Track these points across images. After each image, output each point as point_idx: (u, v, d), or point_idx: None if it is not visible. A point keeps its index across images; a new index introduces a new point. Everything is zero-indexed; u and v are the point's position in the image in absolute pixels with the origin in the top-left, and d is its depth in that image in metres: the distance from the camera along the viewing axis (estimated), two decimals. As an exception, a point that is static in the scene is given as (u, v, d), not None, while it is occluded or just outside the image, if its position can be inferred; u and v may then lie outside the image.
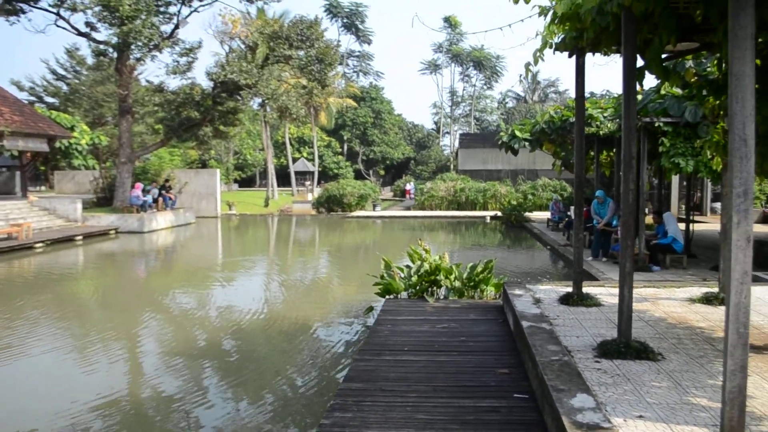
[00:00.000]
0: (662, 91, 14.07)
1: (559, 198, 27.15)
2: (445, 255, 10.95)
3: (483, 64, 78.27)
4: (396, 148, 70.87)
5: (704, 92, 7.40)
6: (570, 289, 8.58)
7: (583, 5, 4.94)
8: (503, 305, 9.02)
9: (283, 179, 55.51)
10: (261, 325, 10.78)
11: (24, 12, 27.90)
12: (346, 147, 69.80)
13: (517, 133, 24.90)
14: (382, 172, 70.79)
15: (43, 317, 11.89)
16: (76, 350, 9.58)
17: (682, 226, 14.95)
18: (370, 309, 10.24)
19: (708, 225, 22.47)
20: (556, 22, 6.80)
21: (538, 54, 7.71)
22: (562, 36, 7.54)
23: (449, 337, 7.57)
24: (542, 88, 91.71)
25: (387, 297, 10.20)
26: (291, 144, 56.41)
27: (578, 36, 7.10)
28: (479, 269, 10.20)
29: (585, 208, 19.76)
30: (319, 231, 29.05)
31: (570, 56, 8.57)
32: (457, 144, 73.99)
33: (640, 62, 6.52)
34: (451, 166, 63.24)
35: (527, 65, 7.91)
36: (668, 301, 8.32)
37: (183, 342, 10.08)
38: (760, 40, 5.84)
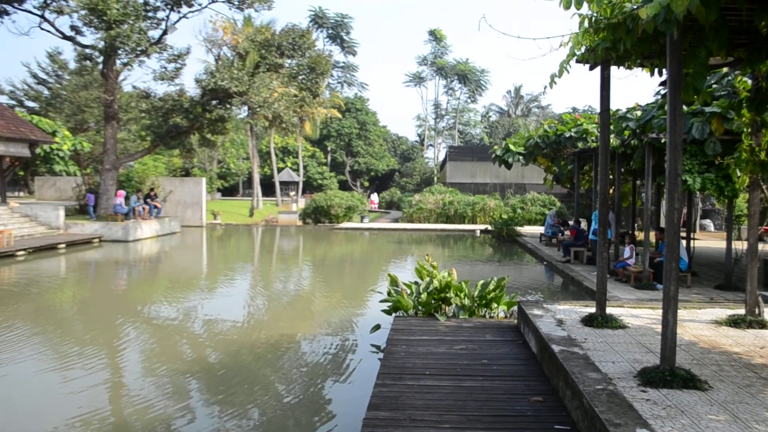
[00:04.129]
0: (666, 107, 13.91)
1: (556, 211, 26.92)
2: (453, 271, 10.59)
3: (467, 77, 78.52)
4: (381, 159, 70.62)
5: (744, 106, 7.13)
6: (591, 310, 8.26)
7: (646, 11, 4.62)
8: (519, 325, 8.67)
9: (267, 189, 54.94)
10: (252, 339, 10.28)
11: (8, 14, 27.23)
12: (330, 158, 69.40)
13: (511, 147, 24.78)
14: (366, 184, 70.46)
15: (24, 328, 11.31)
16: (56, 363, 9.07)
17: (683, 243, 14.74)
18: (377, 327, 9.82)
19: (701, 242, 22.39)
20: (591, 30, 6.50)
21: (564, 65, 7.43)
22: (590, 47, 7.28)
23: (470, 360, 7.19)
24: (525, 103, 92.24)
25: (395, 315, 9.79)
26: (275, 154, 55.86)
27: (611, 47, 6.83)
28: (491, 287, 9.84)
29: (573, 227, 19.61)
30: (308, 242, 28.54)
31: (593, 68, 8.32)
32: (441, 156, 74.05)
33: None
34: (435, 179, 63.11)
35: (552, 76, 7.62)
36: (693, 323, 8.02)
37: (167, 354, 9.63)
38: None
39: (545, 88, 7.87)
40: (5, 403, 7.41)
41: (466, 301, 9.86)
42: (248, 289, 16.21)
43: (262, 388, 7.97)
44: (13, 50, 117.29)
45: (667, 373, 5.47)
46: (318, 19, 70.73)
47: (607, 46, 6.77)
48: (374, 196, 55.23)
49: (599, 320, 7.67)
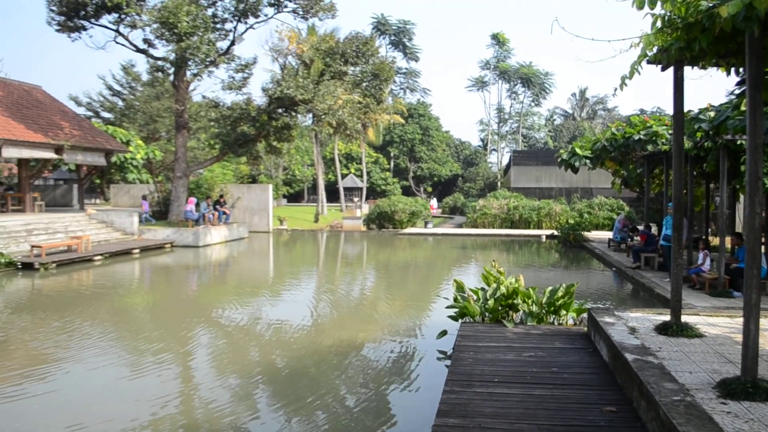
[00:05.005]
0: (742, 107, 13.40)
1: (625, 216, 26.20)
2: (520, 277, 10.46)
3: (531, 81, 77.51)
4: (444, 164, 70.50)
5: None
6: (664, 317, 8.02)
7: (727, 9, 4.47)
8: (590, 333, 8.49)
9: (332, 195, 55.58)
10: (317, 343, 10.38)
11: (85, 29, 28.42)
12: (393, 163, 69.71)
13: (578, 150, 24.28)
14: (429, 189, 70.39)
15: (101, 328, 11.78)
16: (129, 364, 9.44)
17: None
18: (444, 333, 9.79)
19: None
20: (668, 30, 6.33)
21: (635, 66, 7.25)
22: (663, 47, 7.09)
23: (540, 368, 7.08)
24: (591, 105, 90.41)
25: (462, 321, 9.74)
26: (339, 160, 56.49)
27: (685, 47, 6.64)
28: (560, 293, 9.66)
29: (643, 232, 19.06)
30: (372, 248, 28.71)
31: (665, 69, 8.10)
32: (504, 161, 73.29)
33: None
34: (499, 184, 62.48)
35: (623, 78, 7.45)
36: (775, 333, 7.67)
37: (235, 356, 9.91)
38: None
39: (615, 90, 7.68)
40: (79, 400, 7.75)
41: (534, 308, 9.72)
42: (314, 294, 16.42)
43: (328, 392, 8.05)
44: (90, 64, 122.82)
45: (749, 385, 5.25)
46: (380, 26, 71.24)
47: (681, 46, 6.59)
48: (434, 202, 55.13)
49: (674, 328, 7.43)
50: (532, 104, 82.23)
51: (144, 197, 31.74)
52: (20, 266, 18.88)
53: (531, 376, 6.78)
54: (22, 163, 27.89)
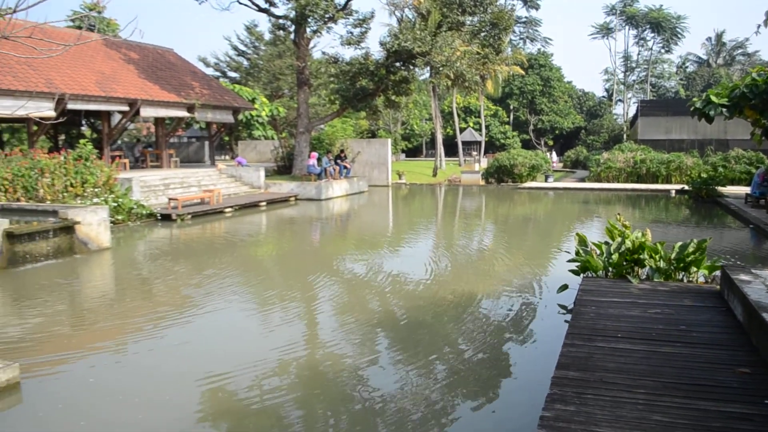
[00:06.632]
0: None
1: (765, 168, 24.34)
2: (648, 231, 10.04)
3: (661, 25, 72.35)
4: (566, 117, 68.09)
5: None
6: (809, 277, 7.46)
7: None
8: (723, 291, 8.06)
9: (450, 149, 55.31)
10: (434, 295, 10.47)
11: (211, -9, 29.54)
12: (512, 116, 68.14)
13: (713, 98, 22.63)
14: (551, 142, 68.38)
15: (232, 275, 12.53)
16: (259, 311, 10.01)
17: None
18: (565, 287, 9.64)
19: None
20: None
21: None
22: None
23: (666, 325, 6.83)
24: (728, 51, 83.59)
25: (584, 275, 9.53)
26: (458, 114, 55.91)
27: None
28: (690, 249, 9.20)
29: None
30: (490, 202, 28.45)
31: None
32: (631, 112, 69.69)
33: None
34: (625, 136, 59.63)
35: (768, 14, 6.88)
36: None
37: (355, 305, 10.21)
38: None
39: (758, 27, 7.13)
40: (208, 340, 8.34)
41: (662, 264, 9.32)
42: (432, 247, 16.58)
43: (445, 343, 8.18)
44: (217, 26, 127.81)
45: None
46: (500, -26, 68.90)
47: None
48: (553, 155, 53.49)
49: (819, 288, 6.91)
50: (662, 51, 76.93)
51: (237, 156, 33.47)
52: (159, 217, 20.34)
53: (657, 333, 6.56)
54: (158, 122, 29.71)
